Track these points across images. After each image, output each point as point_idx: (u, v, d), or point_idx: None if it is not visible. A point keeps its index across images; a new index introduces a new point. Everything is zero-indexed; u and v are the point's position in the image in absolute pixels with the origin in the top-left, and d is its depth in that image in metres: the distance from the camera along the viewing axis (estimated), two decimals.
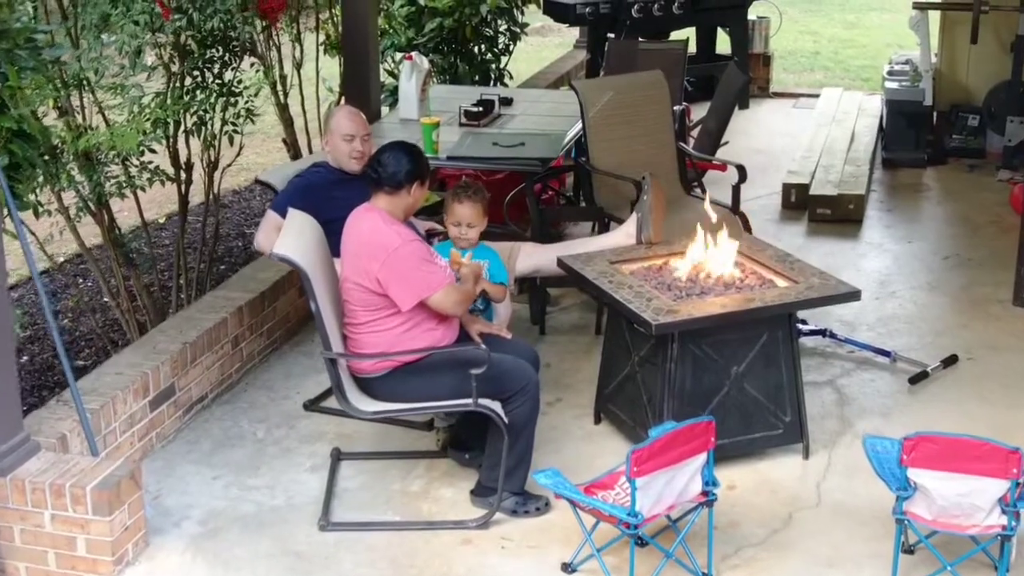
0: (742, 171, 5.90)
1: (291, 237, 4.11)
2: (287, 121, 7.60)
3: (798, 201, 7.34)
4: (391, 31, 8.30)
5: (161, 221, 8.58)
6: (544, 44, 14.13)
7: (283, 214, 4.75)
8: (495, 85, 8.96)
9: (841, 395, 5.10)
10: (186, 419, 4.89)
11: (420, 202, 4.24)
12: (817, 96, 10.04)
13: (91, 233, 6.49)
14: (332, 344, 4.06)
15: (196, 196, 6.76)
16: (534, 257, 5.02)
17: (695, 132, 7.70)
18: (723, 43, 10.19)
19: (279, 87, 7.35)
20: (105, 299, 6.71)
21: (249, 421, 4.94)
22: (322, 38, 7.76)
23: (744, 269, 4.65)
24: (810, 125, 8.90)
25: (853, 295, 4.50)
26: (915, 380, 5.18)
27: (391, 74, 8.45)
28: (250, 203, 9.30)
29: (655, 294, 4.42)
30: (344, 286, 4.16)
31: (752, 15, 10.00)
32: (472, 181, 4.69)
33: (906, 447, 3.64)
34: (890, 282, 6.32)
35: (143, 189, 5.88)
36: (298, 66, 7.41)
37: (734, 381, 4.44)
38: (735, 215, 5.85)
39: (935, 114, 8.39)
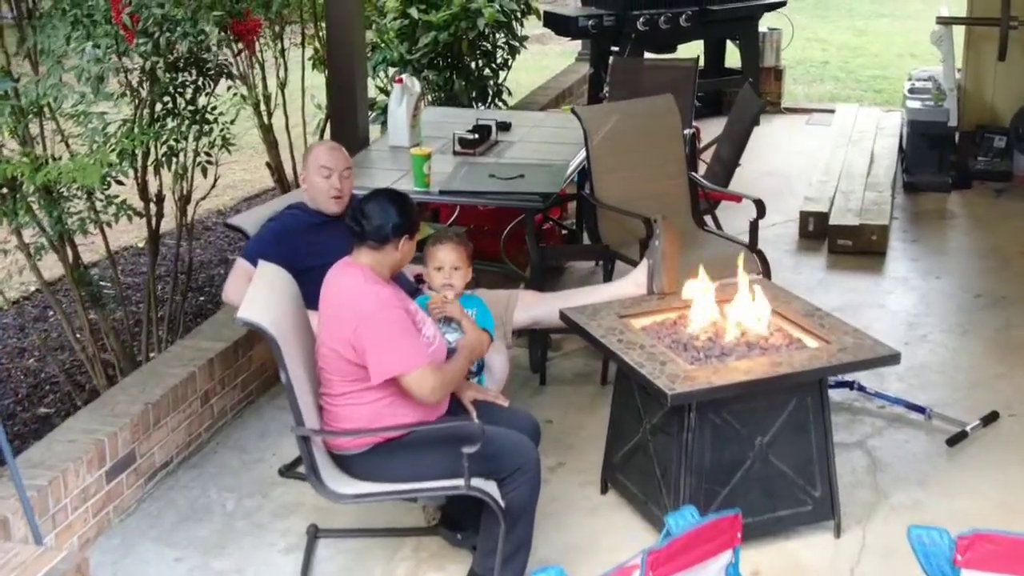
0: (760, 206, 5.42)
1: (259, 296, 3.63)
2: (271, 143, 7.13)
3: (816, 230, 6.86)
4: (383, 45, 7.83)
5: (140, 245, 8.09)
6: (545, 52, 13.64)
7: (255, 262, 4.29)
8: (493, 101, 8.49)
9: (873, 459, 4.62)
10: (148, 488, 4.42)
11: (409, 258, 3.76)
12: (831, 112, 9.59)
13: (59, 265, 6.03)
14: (305, 418, 3.58)
15: (171, 223, 6.30)
16: (534, 308, 4.55)
17: (706, 155, 7.25)
18: (731, 56, 9.72)
19: (262, 106, 6.88)
20: (77, 324, 6.24)
21: (218, 489, 4.46)
22: (310, 52, 7.29)
23: (769, 325, 4.17)
24: (825, 144, 8.44)
25: (891, 358, 4.02)
26: (953, 441, 4.70)
27: (383, 91, 7.99)
28: None
29: (670, 356, 3.94)
30: (320, 351, 3.68)
31: (763, 27, 9.52)
32: (454, 227, 4.21)
33: (960, 546, 3.14)
34: (919, 324, 5.84)
35: (109, 225, 5.39)
36: (282, 85, 6.93)
37: (758, 453, 3.96)
38: (752, 253, 5.38)
39: (958, 135, 7.91)
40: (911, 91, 8.09)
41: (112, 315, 5.96)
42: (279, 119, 7.12)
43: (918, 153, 7.79)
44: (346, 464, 3.68)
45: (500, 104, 8.54)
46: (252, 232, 4.47)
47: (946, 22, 7.66)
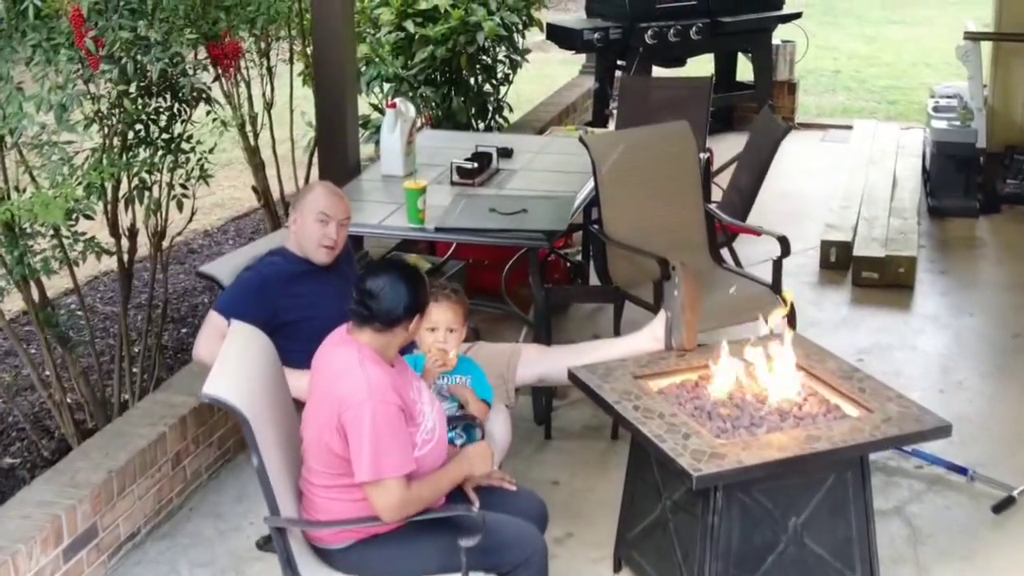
0: (785, 244, 4.99)
1: (230, 366, 3.20)
2: (257, 166, 6.69)
3: (839, 261, 6.43)
4: (377, 60, 7.40)
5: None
6: (547, 60, 13.16)
7: (230, 317, 3.86)
8: (493, 118, 8.06)
9: (913, 529, 4.19)
10: (112, 564, 3.99)
11: (416, 334, 3.32)
12: (847, 128, 9.16)
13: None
14: (281, 506, 3.14)
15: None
16: (539, 364, 4.12)
17: (720, 178, 6.82)
18: (743, 69, 9.29)
19: (248, 127, 6.45)
20: (45, 373, 5.81)
21: (190, 565, 4.03)
22: (300, 68, 6.86)
23: (802, 388, 3.74)
24: (843, 163, 8.02)
25: (941, 431, 3.58)
26: (999, 508, 4.28)
27: (377, 108, 7.56)
28: (222, 247, 8.38)
29: (693, 427, 3.51)
30: (305, 431, 3.24)
31: (775, 39, 9.09)
32: (448, 281, 3.78)
33: None
34: (954, 368, 5.41)
35: (76, 263, 4.96)
36: (269, 106, 6.50)
37: (792, 536, 3.53)
38: (776, 295, 4.95)
39: (985, 156, 7.47)
40: (935, 109, 7.64)
41: (81, 357, 5.53)
42: (269, 137, 6.69)
43: (944, 176, 7.35)
44: (328, 557, 3.24)
45: (501, 120, 8.13)
46: (227, 281, 4.03)
47: (974, 37, 7.22)
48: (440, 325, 3.65)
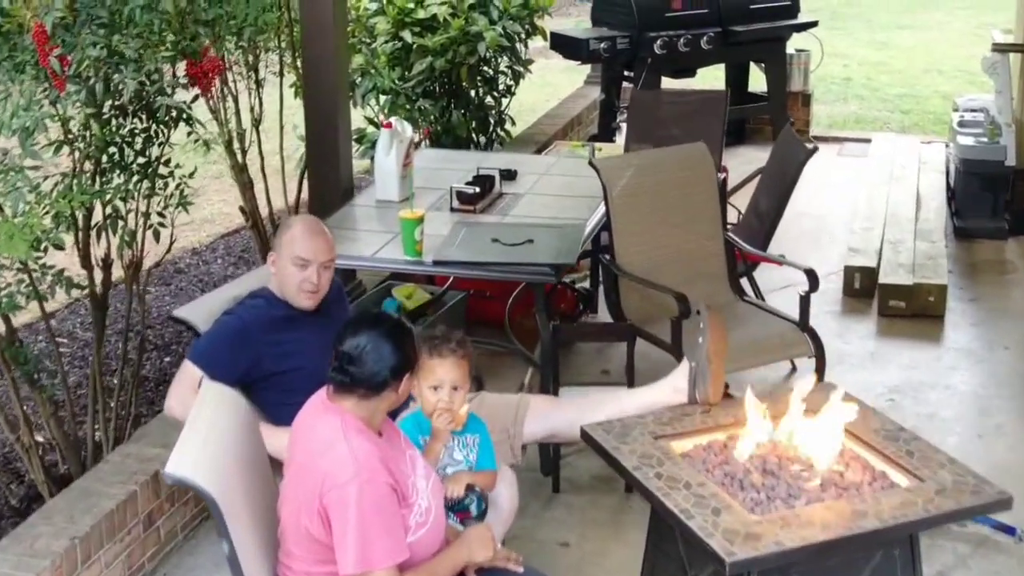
0: (813, 278, 4.61)
1: (197, 436, 2.81)
2: (245, 184, 6.30)
3: (863, 288, 6.04)
4: (373, 72, 7.01)
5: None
6: (548, 67, 12.76)
7: (207, 368, 3.48)
8: (495, 131, 7.68)
9: None
10: None
11: (406, 395, 2.94)
12: (865, 141, 8.78)
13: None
14: None
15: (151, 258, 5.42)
16: (549, 419, 3.74)
17: (735, 198, 6.44)
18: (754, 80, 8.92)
19: (235, 144, 6.06)
20: (14, 413, 5.42)
21: None
22: (292, 79, 6.47)
23: (843, 452, 3.36)
24: (862, 179, 7.64)
25: (1002, 503, 3.19)
26: None
27: (372, 122, 7.18)
28: (210, 267, 7.97)
29: (724, 499, 3.12)
30: (283, 509, 2.85)
31: (789, 48, 8.70)
32: (450, 330, 3.38)
33: None
34: (992, 410, 5.02)
35: (45, 299, 4.57)
36: (257, 123, 6.11)
37: None
38: (804, 332, 4.58)
39: (1014, 174, 7.08)
40: (960, 124, 7.25)
41: (53, 395, 5.14)
42: (258, 154, 6.31)
43: (970, 195, 6.96)
44: None
45: (502, 134, 7.75)
46: (203, 327, 3.63)
47: (1003, 49, 6.84)
48: (444, 383, 3.25)
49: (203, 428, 2.85)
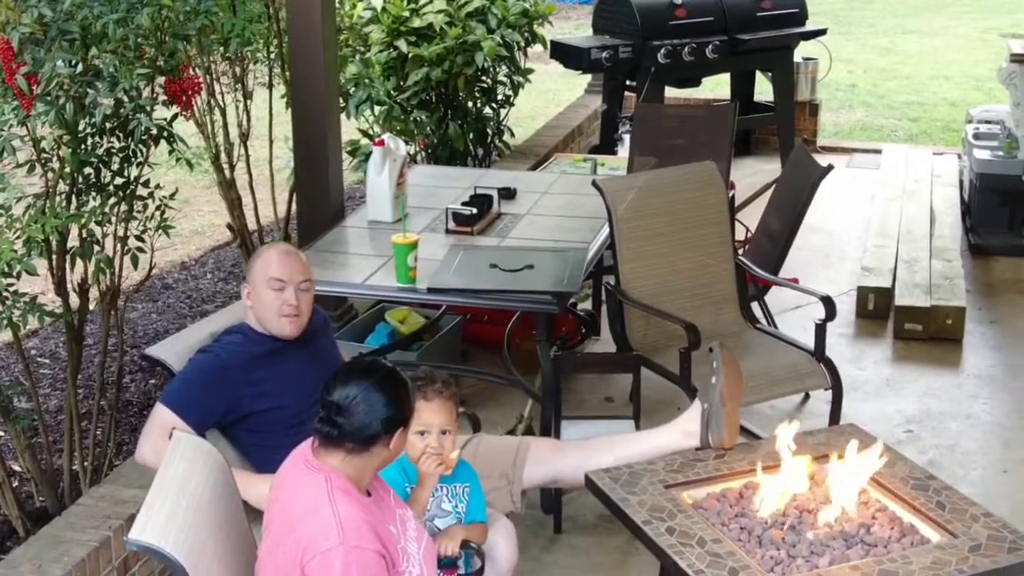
0: (830, 306, 4.37)
1: (166, 500, 2.55)
2: (233, 201, 6.05)
3: (878, 309, 5.79)
4: (367, 82, 6.76)
5: (91, 307, 7.00)
6: (547, 73, 12.51)
7: (181, 412, 3.24)
8: (493, 143, 7.44)
9: None
10: None
11: (400, 453, 2.69)
12: (875, 152, 8.53)
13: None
14: None
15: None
16: (551, 464, 3.49)
17: (743, 214, 6.21)
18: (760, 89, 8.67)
19: (223, 158, 5.82)
20: None
21: None
22: (283, 90, 6.22)
23: (868, 502, 3.11)
24: (873, 192, 7.38)
25: None
26: None
27: (366, 134, 6.93)
28: (199, 282, 7.72)
29: (741, 558, 2.88)
30: (260, 573, 2.61)
31: (797, 56, 8.45)
32: (434, 371, 3.13)
33: None
34: (1017, 442, 4.76)
35: (17, 328, 4.31)
36: (244, 137, 5.86)
37: None
38: (819, 363, 4.33)
39: None
40: (975, 136, 7.01)
41: (28, 427, 4.89)
42: (246, 168, 6.06)
43: (986, 210, 6.72)
44: None
45: (501, 145, 7.51)
46: (177, 366, 3.38)
47: (1021, 60, 6.59)
48: (432, 428, 3.01)
49: (174, 488, 2.60)
